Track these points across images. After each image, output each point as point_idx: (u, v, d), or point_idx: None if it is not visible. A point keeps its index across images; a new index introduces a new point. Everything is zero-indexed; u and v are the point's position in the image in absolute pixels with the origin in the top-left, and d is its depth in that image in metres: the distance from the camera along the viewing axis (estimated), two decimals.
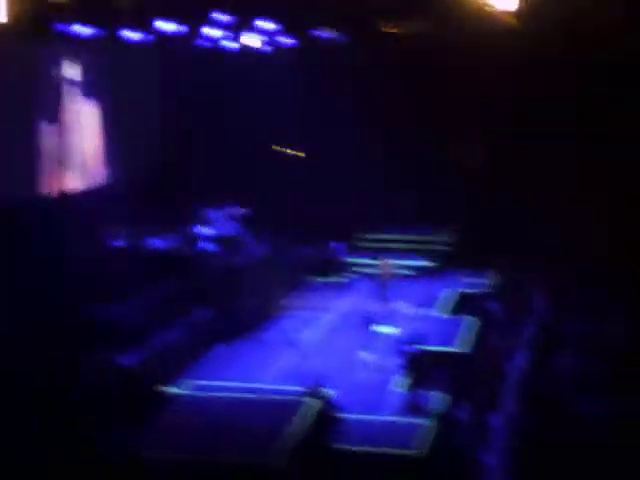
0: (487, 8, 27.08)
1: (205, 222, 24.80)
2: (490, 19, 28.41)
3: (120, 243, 23.28)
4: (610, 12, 27.59)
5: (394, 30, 30.65)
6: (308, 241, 28.20)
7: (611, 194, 29.88)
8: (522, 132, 31.51)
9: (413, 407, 17.81)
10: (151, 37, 23.72)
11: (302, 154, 32.56)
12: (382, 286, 24.85)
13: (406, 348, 19.08)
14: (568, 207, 30.12)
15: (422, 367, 18.48)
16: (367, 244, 29.32)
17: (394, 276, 25.36)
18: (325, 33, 28.03)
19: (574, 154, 30.49)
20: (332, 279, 27.45)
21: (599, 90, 30.13)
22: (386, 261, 25.29)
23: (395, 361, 19.88)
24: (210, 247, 23.99)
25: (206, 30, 24.90)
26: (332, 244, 27.96)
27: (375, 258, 25.54)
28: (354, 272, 27.72)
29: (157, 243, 24.00)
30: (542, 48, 28.93)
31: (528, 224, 29.33)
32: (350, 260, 28.18)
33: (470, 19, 27.70)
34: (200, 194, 25.92)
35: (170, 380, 18.47)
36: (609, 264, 26.94)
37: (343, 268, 27.59)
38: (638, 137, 29.89)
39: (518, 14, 27.10)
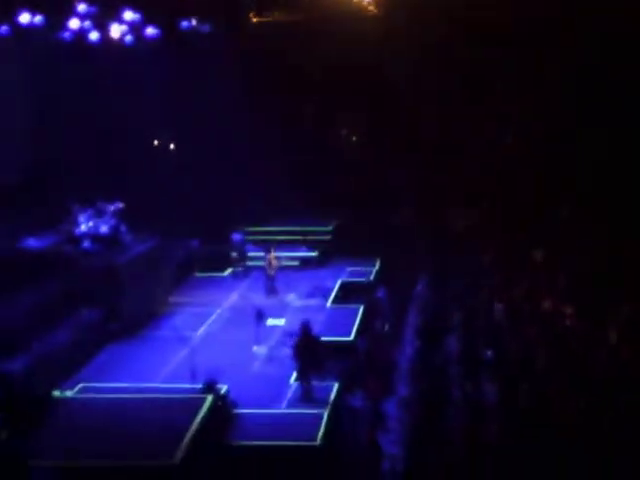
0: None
1: (81, 219, 23.96)
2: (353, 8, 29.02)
3: None
4: None
5: (261, 19, 30.70)
6: (197, 234, 27.90)
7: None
8: (393, 120, 32.37)
9: (307, 398, 17.86)
10: (12, 30, 22.79)
11: (172, 145, 32.18)
12: (269, 278, 24.79)
13: (293, 339, 18.99)
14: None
15: (312, 356, 18.43)
16: (251, 237, 29.10)
17: (280, 268, 25.32)
18: (189, 23, 27.64)
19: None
20: (221, 273, 27.24)
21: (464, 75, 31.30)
22: (272, 253, 25.19)
23: (286, 353, 19.93)
24: (88, 245, 23.20)
25: (71, 22, 24.06)
26: (235, 236, 27.66)
27: (268, 250, 25.36)
28: (238, 266, 27.55)
29: (32, 242, 23.05)
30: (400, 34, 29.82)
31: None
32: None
33: (335, 10, 28.18)
34: (74, 191, 25.07)
35: (58, 384, 17.87)
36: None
37: (239, 260, 27.32)
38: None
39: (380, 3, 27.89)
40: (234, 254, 27.53)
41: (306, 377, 18.15)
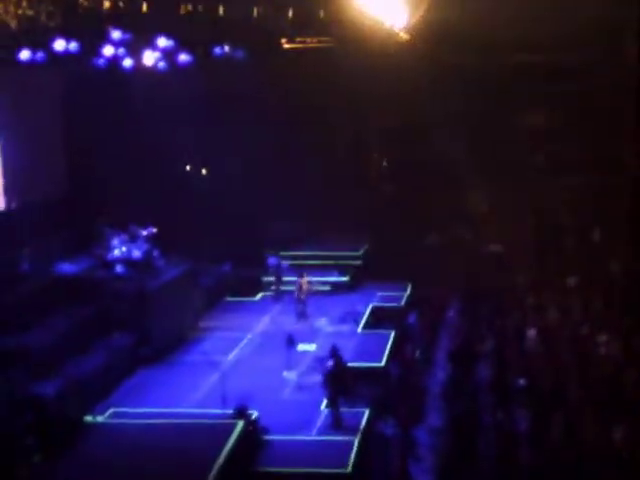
0: (383, 26, 27.86)
1: (114, 244, 24.14)
2: (386, 36, 29.10)
3: (28, 267, 22.41)
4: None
5: (293, 46, 30.89)
6: (229, 258, 28.02)
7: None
8: (421, 146, 32.51)
9: (337, 425, 17.78)
10: (48, 56, 23.10)
11: (205, 171, 32.44)
12: (300, 303, 24.80)
13: (322, 364, 18.90)
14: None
15: (342, 383, 18.36)
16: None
17: (311, 292, 25.32)
18: (222, 49, 27.85)
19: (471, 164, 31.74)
20: (252, 297, 27.38)
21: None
22: (304, 278, 25.19)
23: (317, 379, 19.95)
24: (121, 270, 23.35)
25: (105, 49, 24.35)
26: (271, 260, 27.70)
27: (300, 275, 25.36)
28: (272, 290, 27.63)
29: (66, 267, 23.27)
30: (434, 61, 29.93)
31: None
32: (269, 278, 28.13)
33: (367, 37, 28.29)
34: (107, 215, 25.31)
35: (89, 409, 17.96)
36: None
37: (276, 284, 27.33)
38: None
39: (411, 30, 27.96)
40: (271, 278, 27.52)
41: (336, 404, 18.09)
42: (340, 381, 18.14)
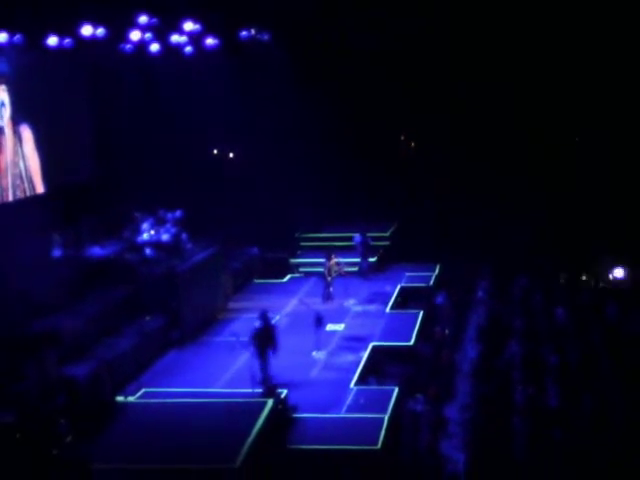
0: None
1: (143, 227, 24.30)
2: None
3: (59, 252, 22.65)
4: None
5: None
6: (257, 241, 28.11)
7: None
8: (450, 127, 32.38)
9: (367, 402, 17.80)
10: (74, 42, 23.18)
11: (232, 154, 32.57)
12: (327, 284, 24.81)
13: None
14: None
15: (269, 341, 18.43)
16: (310, 243, 29.24)
17: (339, 274, 25.32)
18: (249, 32, 27.82)
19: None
20: (280, 279, 27.48)
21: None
22: (333, 259, 25.14)
23: (347, 358, 20.03)
24: (150, 253, 23.51)
25: (132, 34, 24.39)
26: (356, 237, 27.32)
27: (328, 257, 25.27)
28: (300, 272, 27.70)
29: (96, 251, 23.47)
30: None
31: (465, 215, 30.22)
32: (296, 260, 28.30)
33: None
34: (136, 199, 25.48)
35: (121, 389, 18.17)
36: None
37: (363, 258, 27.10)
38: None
39: None
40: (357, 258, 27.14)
41: (367, 382, 18.16)
42: (266, 339, 18.35)
